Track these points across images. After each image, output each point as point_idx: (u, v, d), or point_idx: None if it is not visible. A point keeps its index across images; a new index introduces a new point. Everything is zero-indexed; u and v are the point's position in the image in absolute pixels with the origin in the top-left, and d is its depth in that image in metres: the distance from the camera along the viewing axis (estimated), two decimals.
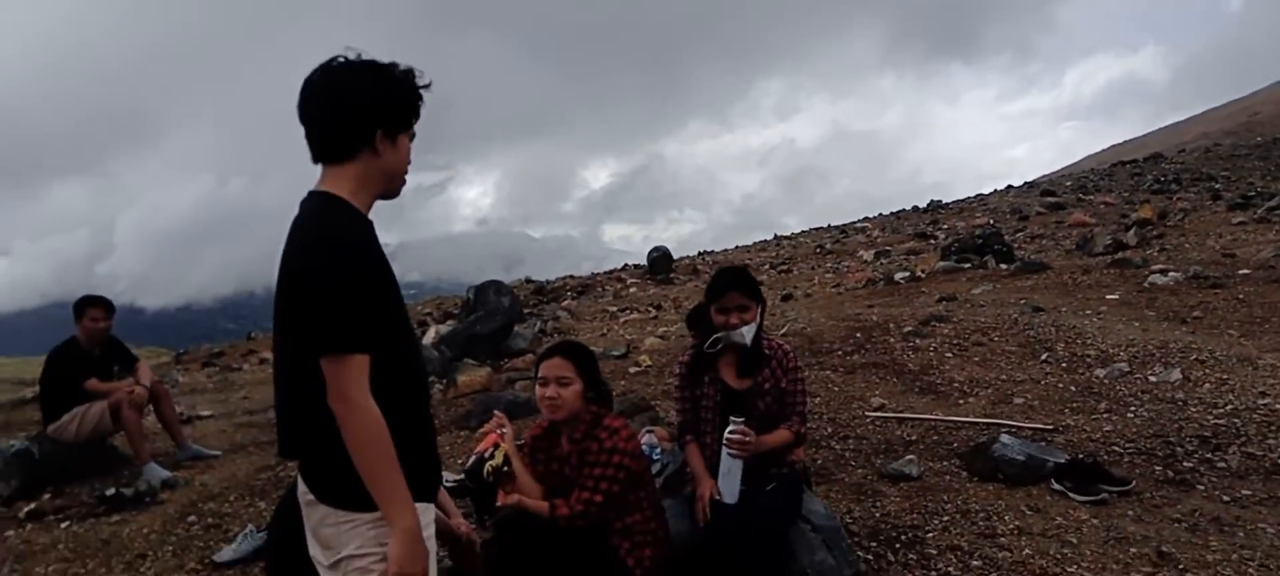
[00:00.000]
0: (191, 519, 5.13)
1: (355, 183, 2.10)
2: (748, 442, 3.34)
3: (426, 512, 2.15)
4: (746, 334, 3.50)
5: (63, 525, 5.28)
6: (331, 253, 1.98)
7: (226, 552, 4.50)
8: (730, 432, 3.34)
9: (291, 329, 2.04)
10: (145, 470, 6.01)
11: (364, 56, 2.09)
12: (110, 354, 6.53)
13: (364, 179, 2.11)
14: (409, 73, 2.11)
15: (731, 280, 3.55)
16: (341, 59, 2.08)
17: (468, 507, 4.65)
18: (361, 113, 2.06)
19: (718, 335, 3.54)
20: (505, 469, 3.08)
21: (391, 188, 2.17)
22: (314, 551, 2.16)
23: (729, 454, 3.34)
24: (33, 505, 5.62)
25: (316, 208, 2.08)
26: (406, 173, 2.17)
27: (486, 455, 3.09)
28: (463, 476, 5.14)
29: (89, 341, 6.38)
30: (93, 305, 6.40)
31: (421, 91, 2.14)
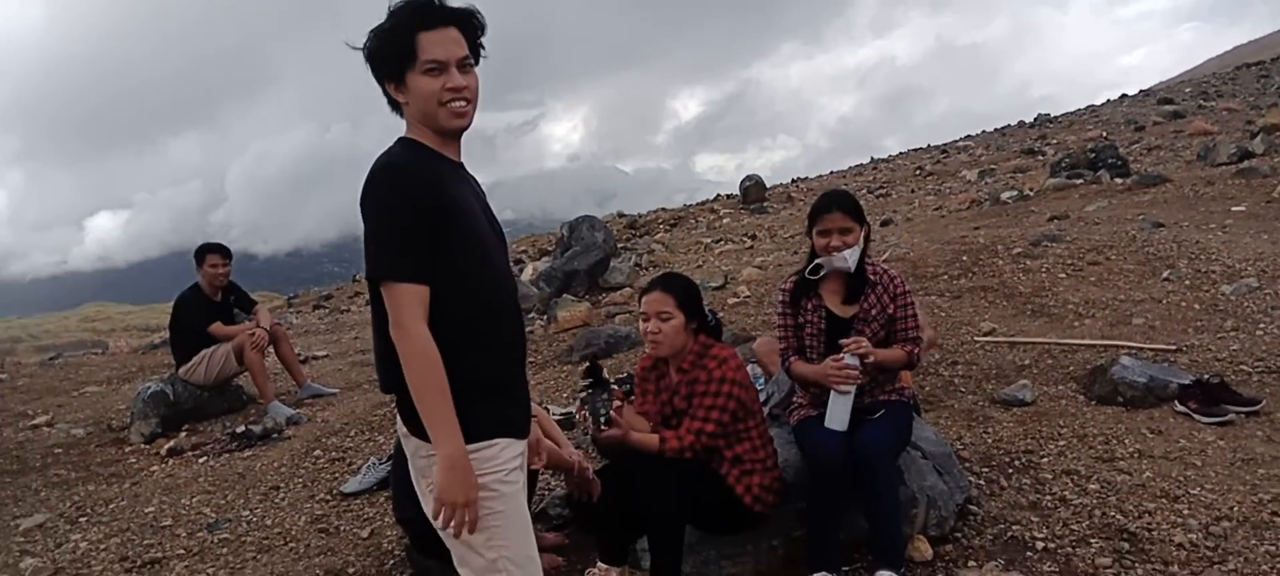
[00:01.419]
0: (317, 453, 5.40)
1: (413, 128, 2.19)
2: (853, 374, 3.27)
3: (511, 447, 2.20)
4: (850, 258, 3.40)
5: (201, 460, 5.64)
6: (381, 184, 2.06)
7: (353, 483, 4.74)
8: (833, 362, 3.29)
9: (367, 264, 2.10)
10: (270, 408, 6.34)
11: (395, 3, 2.11)
12: (231, 298, 6.86)
13: (414, 124, 2.18)
14: (390, 14, 2.10)
15: (833, 200, 3.45)
16: None
17: (575, 438, 4.77)
18: (372, 70, 2.17)
19: (819, 260, 3.47)
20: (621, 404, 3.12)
21: (434, 123, 2.15)
22: (415, 480, 2.25)
23: (839, 390, 3.29)
24: (171, 442, 6.01)
25: (388, 149, 2.16)
26: (439, 105, 2.12)
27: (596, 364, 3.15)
28: (570, 410, 5.28)
29: (211, 287, 6.70)
30: (212, 252, 6.71)
31: (402, 21, 2.09)
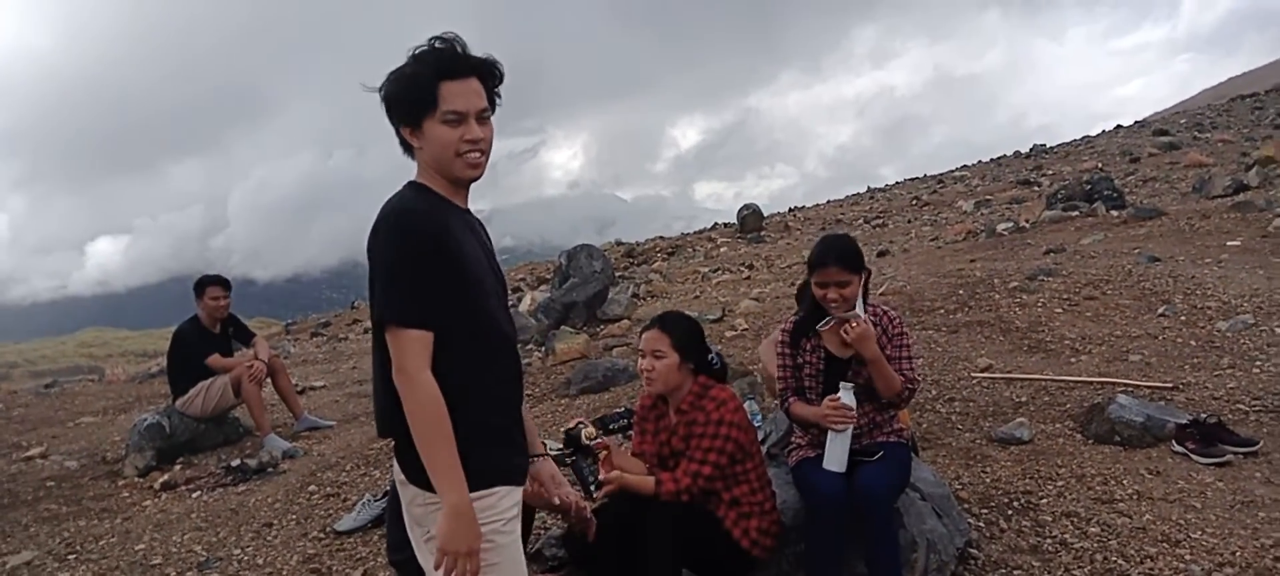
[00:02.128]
0: (312, 488, 5.36)
1: (424, 173, 2.20)
2: (848, 413, 3.26)
3: (510, 495, 2.19)
4: (854, 315, 3.40)
5: (194, 495, 5.60)
6: (392, 228, 2.07)
7: (347, 521, 4.70)
8: (830, 403, 3.28)
9: (373, 307, 2.11)
10: (267, 441, 6.32)
11: (417, 48, 2.12)
12: (230, 330, 6.85)
13: (427, 171, 2.19)
14: (413, 60, 2.10)
15: (830, 252, 3.38)
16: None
17: (571, 475, 4.74)
18: (388, 113, 2.17)
19: (827, 319, 3.45)
20: (598, 437, 3.10)
21: (448, 172, 2.16)
22: (409, 528, 2.23)
23: (834, 430, 3.28)
24: (166, 476, 5.97)
25: (398, 192, 2.18)
26: (455, 155, 2.12)
27: (579, 425, 3.12)
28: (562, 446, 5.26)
29: (211, 319, 6.69)
30: (212, 284, 6.70)
31: (425, 68, 2.09)
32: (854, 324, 3.29)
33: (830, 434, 3.29)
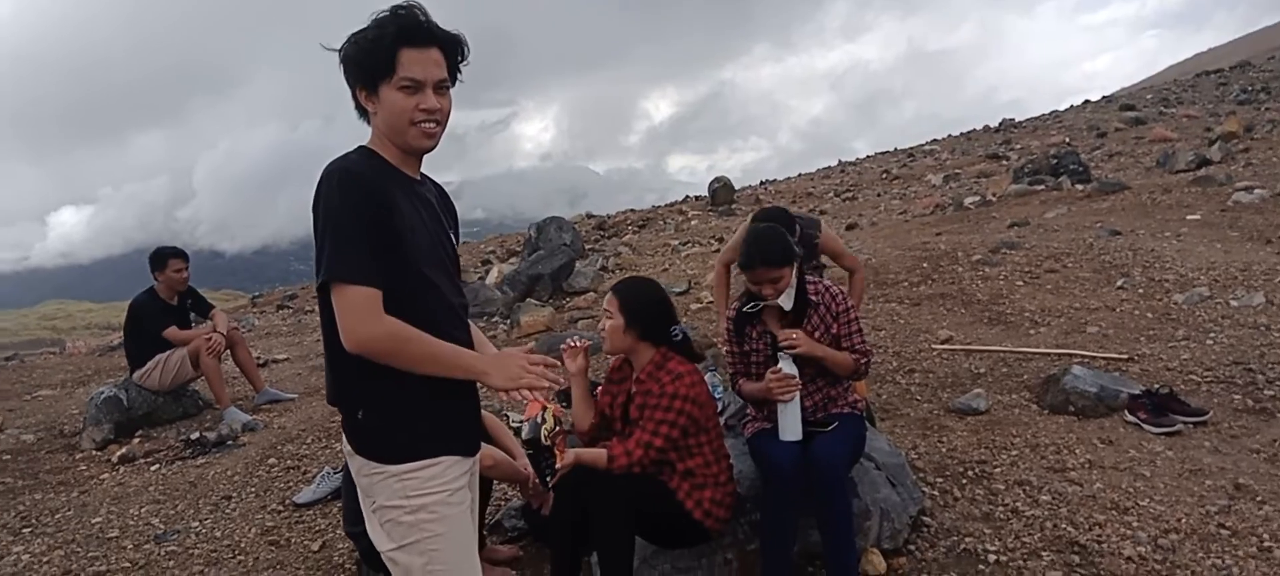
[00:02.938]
0: (272, 460, 5.32)
1: (377, 140, 2.17)
2: (791, 382, 3.29)
3: (456, 465, 2.17)
4: (784, 303, 3.44)
5: (153, 468, 5.54)
6: (336, 188, 2.02)
7: (306, 493, 4.67)
8: (772, 375, 3.31)
9: (319, 268, 2.06)
10: (226, 414, 6.25)
11: (391, 6, 2.08)
12: (188, 302, 6.75)
13: (379, 137, 2.16)
14: (374, 24, 2.06)
15: (755, 257, 3.41)
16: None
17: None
18: (344, 73, 2.13)
19: (754, 302, 3.50)
20: (557, 429, 3.10)
21: (401, 140, 2.12)
22: (361, 498, 2.22)
23: (781, 401, 3.31)
24: (123, 449, 5.89)
25: (345, 154, 2.13)
26: (409, 123, 2.09)
27: (539, 420, 3.09)
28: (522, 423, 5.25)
29: (169, 291, 6.58)
30: (174, 257, 6.58)
31: (386, 33, 2.05)
32: (785, 343, 3.33)
33: (779, 405, 3.32)
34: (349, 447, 2.19)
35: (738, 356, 3.65)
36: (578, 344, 3.50)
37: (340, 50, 2.11)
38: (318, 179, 2.08)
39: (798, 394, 3.31)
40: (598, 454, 3.16)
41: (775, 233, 3.57)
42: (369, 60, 2.07)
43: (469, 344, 2.30)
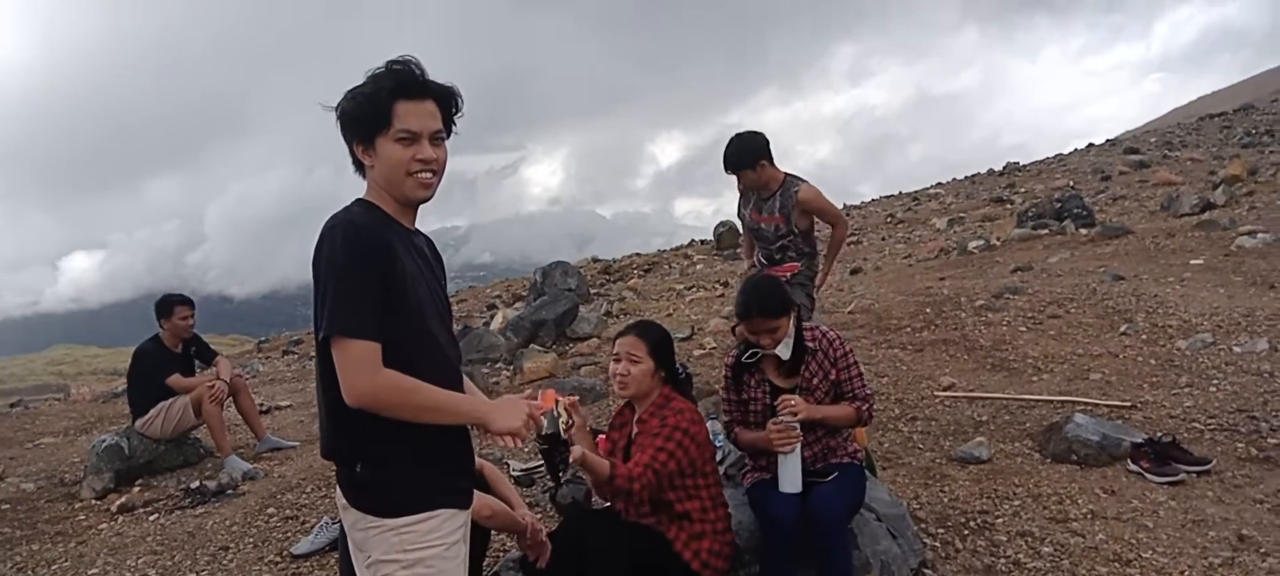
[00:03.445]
0: (271, 510, 5.30)
1: (374, 193, 2.19)
2: (792, 433, 3.27)
3: (453, 519, 2.17)
4: (782, 353, 3.44)
5: (151, 518, 5.51)
6: (339, 241, 2.04)
7: (304, 544, 4.64)
8: (773, 425, 3.29)
9: (318, 323, 2.08)
10: (227, 463, 6.23)
11: (386, 62, 2.13)
12: (192, 349, 6.76)
13: (376, 189, 2.19)
14: (370, 79, 2.11)
15: (752, 306, 3.41)
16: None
17: (533, 497, 4.72)
18: (341, 128, 2.17)
19: (753, 351, 3.50)
20: (571, 422, 3.08)
21: (398, 191, 2.15)
22: (353, 553, 2.22)
23: (781, 452, 3.30)
24: (123, 498, 5.88)
25: (345, 207, 2.16)
26: (406, 174, 2.12)
27: (556, 413, 3.08)
28: (527, 468, 5.23)
29: (174, 338, 6.60)
30: (181, 304, 6.61)
31: (382, 87, 2.10)
32: (785, 411, 3.31)
33: (780, 456, 3.30)
34: (343, 500, 2.18)
35: (734, 404, 3.64)
36: (568, 401, 3.44)
37: (337, 107, 2.15)
38: (319, 232, 2.10)
39: (798, 445, 3.30)
40: (602, 464, 3.13)
41: (772, 283, 3.61)
42: (366, 114, 2.11)
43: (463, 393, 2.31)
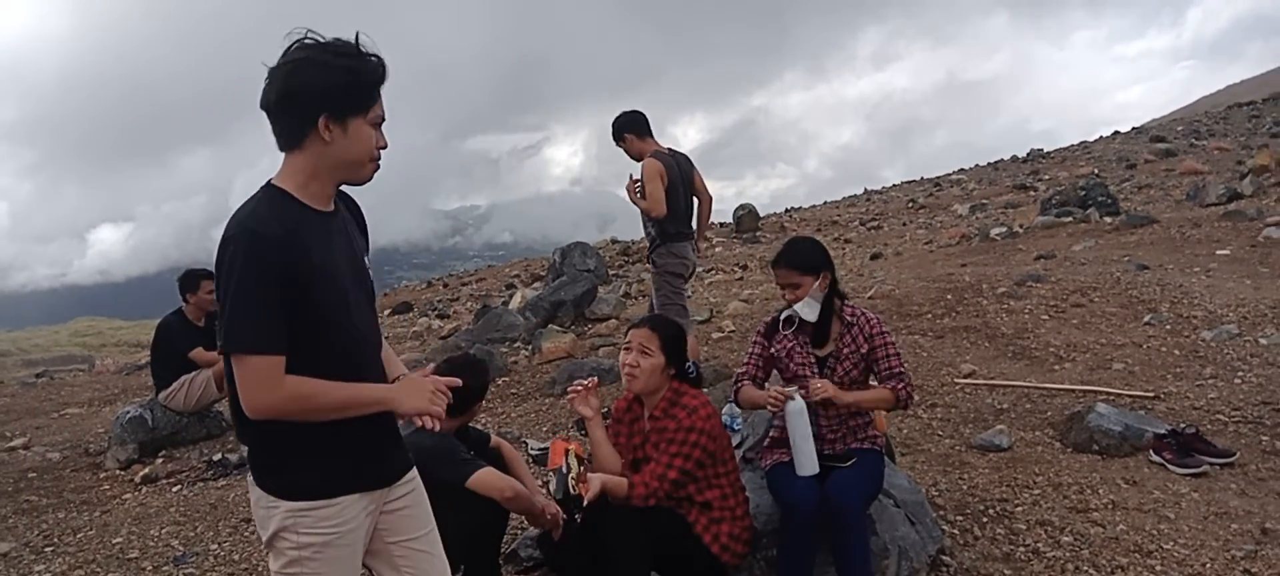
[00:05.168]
0: None
1: (304, 173, 2.08)
2: (795, 397, 3.30)
3: (353, 504, 2.15)
4: (803, 310, 3.46)
5: (175, 488, 5.59)
6: (237, 254, 1.96)
7: None
8: (774, 389, 3.33)
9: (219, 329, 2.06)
10: None
11: (329, 38, 2.05)
12: (215, 323, 6.82)
13: (314, 169, 2.08)
14: (359, 52, 2.04)
15: (781, 254, 3.52)
16: (302, 40, 2.02)
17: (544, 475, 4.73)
18: (305, 97, 2.01)
19: (787, 313, 3.52)
20: (581, 469, 3.11)
21: (352, 176, 2.13)
22: (258, 527, 2.21)
23: (798, 426, 3.29)
24: (147, 470, 5.96)
25: (249, 200, 2.07)
26: (372, 158, 2.10)
27: (564, 470, 3.10)
28: (544, 446, 5.25)
29: (197, 313, 6.67)
30: (207, 278, 6.64)
31: (373, 70, 2.05)
32: (812, 390, 3.33)
33: (793, 440, 3.30)
34: (250, 478, 2.19)
35: (756, 359, 3.67)
36: (586, 385, 3.45)
37: (303, 69, 2.01)
38: (222, 234, 2.01)
39: (810, 429, 3.30)
40: (620, 482, 3.17)
41: (810, 243, 3.65)
42: (355, 91, 2.04)
43: (381, 372, 2.29)
